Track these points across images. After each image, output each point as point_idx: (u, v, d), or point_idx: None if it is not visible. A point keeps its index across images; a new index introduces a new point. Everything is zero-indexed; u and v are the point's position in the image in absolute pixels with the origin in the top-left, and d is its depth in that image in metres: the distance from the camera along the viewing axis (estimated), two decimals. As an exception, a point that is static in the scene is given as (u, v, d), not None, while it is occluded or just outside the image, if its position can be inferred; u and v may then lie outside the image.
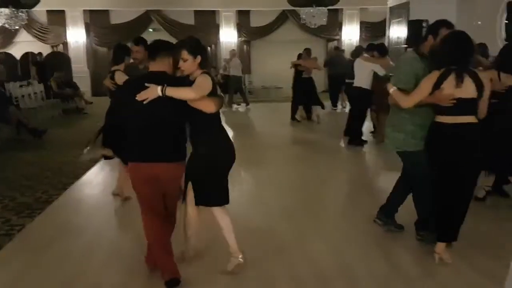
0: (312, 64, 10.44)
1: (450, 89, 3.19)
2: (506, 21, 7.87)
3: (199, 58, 3.08)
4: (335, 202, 5.12)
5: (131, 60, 4.74)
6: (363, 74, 7.43)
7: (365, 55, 7.70)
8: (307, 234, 4.04)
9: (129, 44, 4.94)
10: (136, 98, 2.89)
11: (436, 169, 3.41)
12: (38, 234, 4.14)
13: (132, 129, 3.09)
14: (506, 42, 8.24)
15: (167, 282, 3.06)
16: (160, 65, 3.06)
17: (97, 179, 6.05)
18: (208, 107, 3.04)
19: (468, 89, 3.18)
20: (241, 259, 3.31)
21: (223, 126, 3.29)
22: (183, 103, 2.97)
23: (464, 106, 3.22)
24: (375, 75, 7.29)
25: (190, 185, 3.23)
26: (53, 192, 5.31)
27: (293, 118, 10.52)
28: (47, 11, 16.04)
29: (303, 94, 10.24)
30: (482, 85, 3.21)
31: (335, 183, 5.90)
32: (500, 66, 4.43)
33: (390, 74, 8.21)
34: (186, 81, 3.06)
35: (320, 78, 11.96)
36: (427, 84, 3.29)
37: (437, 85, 3.23)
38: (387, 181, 5.94)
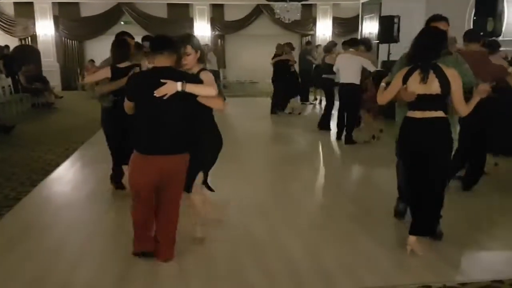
0: (292, 57, 10.66)
1: (415, 85, 3.26)
2: (475, 18, 8.05)
3: (199, 53, 3.34)
4: (311, 198, 5.15)
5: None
6: (353, 69, 7.17)
7: (351, 49, 7.39)
8: (281, 231, 4.05)
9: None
10: (155, 94, 2.97)
11: (405, 163, 3.50)
12: (5, 233, 4.02)
13: (141, 122, 3.16)
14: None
15: (137, 253, 3.36)
16: (168, 60, 3.12)
17: (68, 176, 5.93)
18: (218, 104, 3.32)
19: (432, 85, 3.24)
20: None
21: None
22: (193, 99, 3.12)
23: (429, 101, 3.28)
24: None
25: (200, 174, 3.52)
26: (21, 189, 5.17)
27: (273, 111, 10.62)
28: (15, 3, 15.57)
29: (289, 87, 10.46)
30: (447, 82, 3.24)
31: (312, 179, 5.95)
32: None
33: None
34: (194, 76, 3.23)
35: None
36: (395, 81, 3.38)
37: (404, 82, 3.32)
38: (366, 177, 6.12)
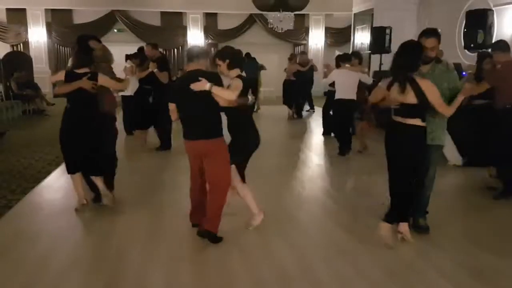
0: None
1: (395, 94, 3.68)
2: (465, 30, 8.16)
3: (227, 62, 3.97)
4: (299, 202, 5.16)
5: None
6: (351, 85, 7.18)
7: (347, 65, 7.38)
8: (269, 234, 4.06)
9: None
10: (191, 86, 3.64)
11: (388, 159, 3.87)
12: (-5, 241, 3.99)
13: (181, 115, 3.90)
14: (465, 50, 8.59)
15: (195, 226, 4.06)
16: (198, 65, 3.85)
17: (58, 183, 5.88)
18: (227, 97, 3.73)
19: (408, 96, 3.60)
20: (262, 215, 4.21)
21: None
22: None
23: (407, 110, 3.66)
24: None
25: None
26: (11, 197, 5.13)
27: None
28: (7, 9, 15.54)
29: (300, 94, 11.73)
30: (422, 93, 3.56)
31: (299, 184, 5.96)
32: None
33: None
34: (219, 78, 3.84)
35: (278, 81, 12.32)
36: (379, 88, 3.88)
37: (388, 89, 3.76)
38: (355, 184, 6.15)
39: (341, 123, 7.54)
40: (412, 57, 3.65)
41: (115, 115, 5.08)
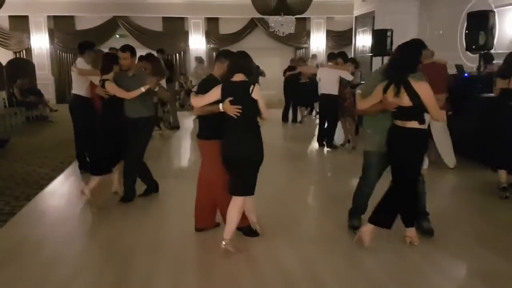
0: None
1: (391, 97, 3.64)
2: (467, 31, 8.15)
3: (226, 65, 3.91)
4: (303, 206, 5.15)
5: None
6: (331, 81, 7.81)
7: (329, 63, 8.21)
8: (275, 240, 4.05)
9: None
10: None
11: (391, 162, 3.86)
12: (0, 247, 3.99)
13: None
14: (467, 51, 8.58)
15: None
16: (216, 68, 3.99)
17: (62, 190, 5.90)
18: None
19: (403, 99, 3.59)
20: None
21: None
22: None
23: (404, 112, 3.65)
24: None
25: None
26: (15, 204, 5.14)
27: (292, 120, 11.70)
28: (10, 16, 15.59)
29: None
30: (416, 95, 3.55)
31: (302, 186, 5.95)
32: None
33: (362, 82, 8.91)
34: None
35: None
36: (377, 91, 3.76)
37: (384, 92, 3.70)
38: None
39: (324, 117, 8.29)
40: (410, 59, 3.65)
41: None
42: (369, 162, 4.07)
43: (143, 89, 4.71)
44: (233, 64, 3.73)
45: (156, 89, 4.90)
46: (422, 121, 3.65)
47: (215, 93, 3.68)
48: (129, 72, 4.93)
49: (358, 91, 4.14)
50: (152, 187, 5.34)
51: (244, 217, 4.01)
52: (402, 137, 3.70)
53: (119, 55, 4.92)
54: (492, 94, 5.72)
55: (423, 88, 3.57)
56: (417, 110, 3.62)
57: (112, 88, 4.76)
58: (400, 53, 3.72)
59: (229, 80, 3.70)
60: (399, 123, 3.72)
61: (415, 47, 3.73)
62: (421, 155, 3.78)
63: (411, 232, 3.88)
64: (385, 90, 3.69)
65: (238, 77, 3.67)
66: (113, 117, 4.87)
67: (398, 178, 3.79)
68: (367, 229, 3.81)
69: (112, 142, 4.89)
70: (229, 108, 3.57)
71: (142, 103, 4.90)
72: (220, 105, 3.64)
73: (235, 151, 3.66)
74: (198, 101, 3.81)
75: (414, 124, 3.64)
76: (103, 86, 4.80)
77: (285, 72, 11.80)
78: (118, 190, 5.27)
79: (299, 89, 11.31)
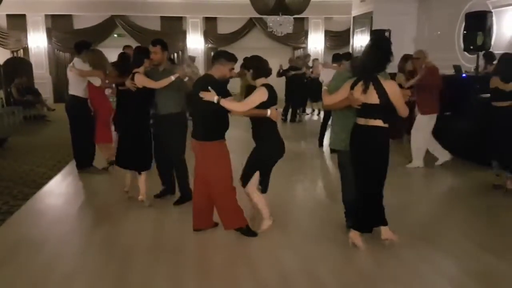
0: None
1: (358, 94, 3.64)
2: (465, 32, 8.18)
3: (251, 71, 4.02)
4: (303, 206, 5.16)
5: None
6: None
7: (334, 64, 8.04)
8: (274, 240, 4.06)
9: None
10: (200, 94, 3.77)
11: (354, 162, 3.85)
12: (-3, 247, 3.99)
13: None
14: (465, 52, 8.60)
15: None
16: (215, 70, 3.99)
17: (60, 189, 5.89)
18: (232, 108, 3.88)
19: (371, 96, 3.60)
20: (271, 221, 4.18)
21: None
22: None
23: (370, 110, 3.65)
24: None
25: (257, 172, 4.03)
26: (13, 203, 5.13)
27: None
28: (7, 15, 15.54)
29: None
30: (385, 93, 3.57)
31: (303, 187, 5.96)
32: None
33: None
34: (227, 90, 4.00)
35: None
36: (345, 88, 3.78)
37: (351, 89, 3.72)
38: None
39: (324, 117, 8.42)
40: (380, 57, 3.66)
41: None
42: (342, 161, 4.11)
43: (173, 78, 4.61)
44: (263, 69, 3.99)
45: (186, 79, 4.77)
46: (386, 120, 3.66)
47: (263, 96, 3.83)
48: (160, 67, 4.87)
49: (324, 87, 4.22)
50: (168, 190, 5.26)
51: (243, 217, 4.01)
52: (364, 135, 3.70)
53: (150, 49, 4.86)
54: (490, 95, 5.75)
55: (391, 86, 3.62)
56: (383, 108, 3.63)
57: (141, 80, 4.66)
58: (371, 51, 3.74)
59: (268, 84, 3.93)
60: (362, 121, 3.71)
61: (386, 46, 3.73)
62: (383, 154, 3.74)
63: (386, 232, 3.83)
64: (352, 87, 3.70)
65: (263, 80, 3.95)
66: (147, 114, 4.94)
67: (360, 177, 3.80)
68: (353, 234, 3.83)
69: (149, 139, 4.92)
70: (275, 114, 3.86)
71: (172, 99, 4.82)
72: (268, 111, 3.84)
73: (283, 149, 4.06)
74: (246, 105, 3.86)
75: (378, 123, 3.65)
76: (132, 78, 4.70)
77: (278, 72, 11.85)
78: (130, 190, 5.19)
79: (312, 84, 11.38)
